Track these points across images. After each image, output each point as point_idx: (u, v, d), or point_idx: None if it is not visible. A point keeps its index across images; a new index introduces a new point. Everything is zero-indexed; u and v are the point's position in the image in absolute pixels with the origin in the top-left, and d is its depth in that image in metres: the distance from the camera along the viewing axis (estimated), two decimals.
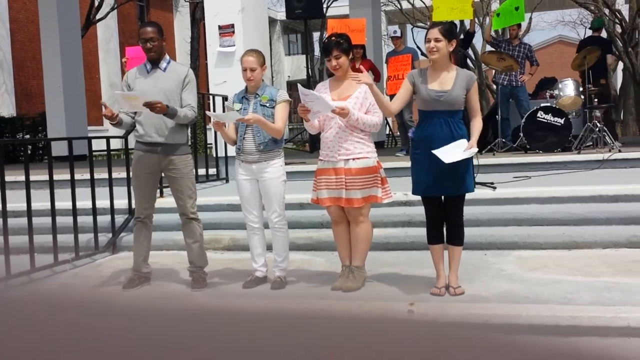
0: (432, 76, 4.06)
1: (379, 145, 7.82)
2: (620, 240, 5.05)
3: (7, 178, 5.10)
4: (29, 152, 13.89)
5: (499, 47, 9.38)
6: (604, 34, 13.45)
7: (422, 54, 12.34)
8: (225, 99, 7.40)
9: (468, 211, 4.54)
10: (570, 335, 3.41)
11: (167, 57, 4.65)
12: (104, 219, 6.04)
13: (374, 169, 4.22)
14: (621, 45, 19.44)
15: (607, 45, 10.30)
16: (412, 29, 26.04)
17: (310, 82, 10.73)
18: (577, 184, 6.03)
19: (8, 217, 4.90)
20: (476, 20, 14.41)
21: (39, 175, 6.56)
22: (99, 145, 7.52)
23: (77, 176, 5.73)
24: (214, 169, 8.07)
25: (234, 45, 7.98)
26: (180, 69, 4.68)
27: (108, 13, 19.90)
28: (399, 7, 26.44)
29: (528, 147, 8.39)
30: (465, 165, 4.02)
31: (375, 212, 5.13)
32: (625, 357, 2.80)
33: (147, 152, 4.56)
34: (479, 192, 5.64)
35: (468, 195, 4.19)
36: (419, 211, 5.02)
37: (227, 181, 7.93)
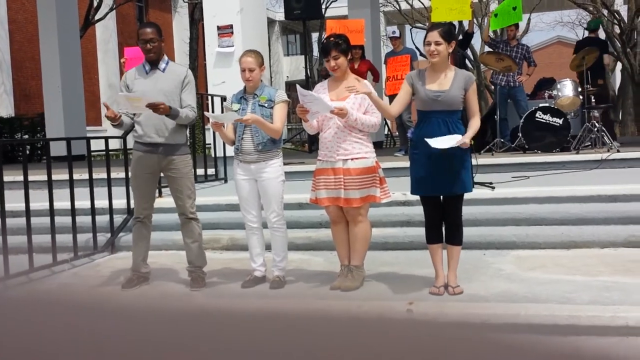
0: (431, 77, 4.07)
1: (377, 146, 7.82)
2: (619, 239, 5.06)
3: (6, 178, 5.10)
4: (28, 152, 13.87)
5: (496, 48, 9.39)
6: (601, 35, 13.47)
7: (421, 54, 12.36)
8: (224, 99, 7.40)
9: (467, 211, 4.54)
10: (568, 334, 3.41)
11: (165, 57, 4.65)
12: (102, 219, 6.04)
13: (373, 169, 4.23)
14: (620, 46, 19.46)
15: (604, 45, 10.32)
16: (410, 29, 26.07)
17: (309, 83, 10.72)
18: (576, 184, 6.03)
19: (7, 217, 4.90)
20: (475, 21, 14.42)
21: (37, 175, 6.55)
22: (97, 145, 7.52)
23: (75, 176, 5.73)
24: (213, 169, 8.07)
25: (233, 46, 7.97)
26: (179, 69, 4.68)
27: (107, 13, 19.90)
28: (398, 7, 26.45)
29: (526, 147, 8.39)
30: (463, 165, 4.02)
31: (374, 211, 5.14)
32: (624, 357, 2.80)
33: (147, 153, 4.56)
34: (478, 192, 5.64)
35: (467, 195, 4.19)
36: (418, 211, 5.02)
37: (226, 181, 7.93)
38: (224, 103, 6.80)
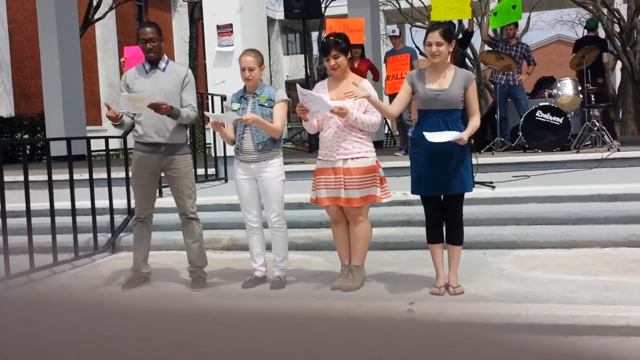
0: (431, 76, 4.07)
1: (377, 145, 7.82)
2: (619, 239, 5.06)
3: (6, 178, 5.10)
4: (28, 152, 13.88)
5: (496, 47, 9.39)
6: (601, 34, 13.46)
7: (421, 53, 12.34)
8: (223, 98, 7.40)
9: (467, 210, 4.54)
10: (569, 334, 3.41)
11: (165, 57, 4.65)
12: (103, 219, 6.04)
13: (373, 168, 4.22)
14: (619, 44, 19.46)
15: (604, 44, 10.32)
16: (410, 28, 26.06)
17: (308, 82, 10.72)
18: (576, 183, 6.03)
19: (7, 217, 4.90)
20: (475, 19, 14.42)
21: (37, 175, 6.56)
22: (97, 145, 7.52)
23: (76, 176, 5.73)
24: (213, 169, 8.06)
25: (233, 45, 7.97)
26: (179, 69, 4.68)
27: (106, 13, 19.89)
28: (398, 6, 26.44)
29: (527, 146, 8.39)
30: (463, 165, 4.02)
31: (375, 211, 5.13)
32: (624, 356, 2.80)
33: (147, 153, 4.56)
34: (478, 192, 5.64)
35: (467, 195, 4.19)
36: (418, 210, 5.02)
37: (226, 181, 7.93)
38: (224, 102, 6.79)
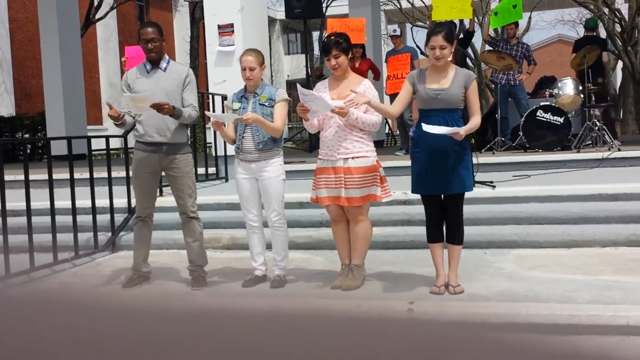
0: (431, 75, 4.07)
1: (378, 144, 7.81)
2: (620, 238, 5.05)
3: (7, 177, 5.10)
4: (29, 151, 13.88)
5: (497, 47, 9.38)
6: (601, 34, 13.45)
7: (422, 53, 12.34)
8: (224, 98, 7.40)
9: (467, 210, 4.54)
10: (569, 333, 3.41)
11: (166, 57, 4.65)
12: (103, 218, 6.04)
13: (373, 167, 4.22)
14: (620, 44, 19.45)
15: (604, 43, 10.32)
16: (411, 28, 26.03)
17: (309, 82, 10.72)
18: (577, 183, 6.03)
19: (7, 216, 4.90)
20: (476, 19, 14.40)
21: (38, 174, 6.56)
22: (98, 144, 7.51)
23: (76, 175, 5.73)
24: (214, 168, 8.06)
25: (234, 45, 7.97)
26: (180, 69, 4.68)
27: (107, 12, 19.89)
28: (399, 6, 26.43)
29: (527, 145, 8.39)
30: (464, 165, 4.02)
31: (375, 210, 5.14)
32: (624, 356, 2.80)
33: (148, 152, 4.56)
34: (479, 191, 5.64)
35: (467, 194, 4.19)
36: (419, 210, 5.02)
37: (227, 180, 7.93)
38: (225, 102, 6.79)
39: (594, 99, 8.73)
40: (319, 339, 0.74)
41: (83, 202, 5.83)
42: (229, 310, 0.83)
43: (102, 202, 6.04)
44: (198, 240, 4.67)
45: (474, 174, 4.74)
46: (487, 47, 9.96)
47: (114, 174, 6.25)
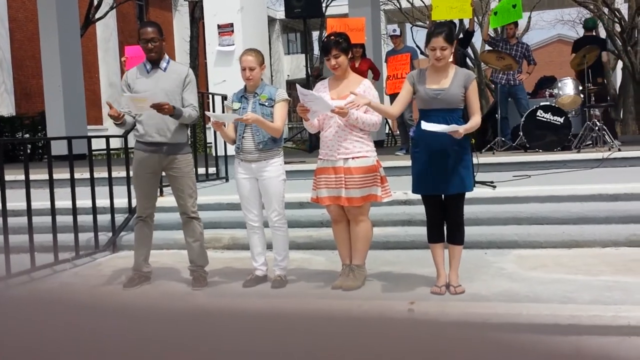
0: (431, 75, 4.07)
1: (378, 144, 7.82)
2: (620, 239, 5.05)
3: (7, 177, 5.10)
4: (29, 151, 13.88)
5: (496, 47, 9.38)
6: (601, 34, 13.45)
7: (422, 52, 12.34)
8: (224, 98, 7.40)
9: (468, 210, 4.54)
10: (570, 334, 3.41)
11: (166, 57, 4.65)
12: (104, 218, 6.04)
13: (374, 167, 4.22)
14: (620, 44, 19.45)
15: (604, 43, 10.33)
16: (411, 27, 26.04)
17: (309, 82, 10.72)
18: (577, 183, 6.03)
19: (8, 216, 4.90)
20: (475, 19, 14.40)
21: (38, 174, 6.56)
22: (98, 144, 7.51)
23: (76, 175, 5.73)
24: (214, 168, 8.07)
25: (233, 45, 7.97)
26: (180, 68, 4.68)
27: (107, 12, 19.90)
28: (399, 6, 26.44)
29: (527, 146, 8.39)
30: (464, 165, 4.02)
31: (375, 211, 5.13)
32: (625, 356, 2.80)
33: (149, 152, 4.56)
34: (479, 191, 5.64)
35: (468, 194, 4.19)
36: (419, 210, 5.02)
37: (227, 180, 7.93)
38: (225, 102, 6.79)
39: (593, 99, 8.73)
40: (319, 339, 0.74)
41: (83, 202, 5.83)
42: (230, 311, 0.82)
43: (102, 202, 6.04)
44: (199, 240, 4.67)
45: (475, 174, 4.73)
46: (487, 47, 9.96)
47: (114, 174, 6.25)
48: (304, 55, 13.79)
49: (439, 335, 0.75)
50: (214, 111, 7.51)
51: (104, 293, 4.55)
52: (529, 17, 26.11)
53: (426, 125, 3.89)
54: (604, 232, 5.12)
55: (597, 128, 8.24)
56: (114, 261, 5.64)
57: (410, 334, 0.76)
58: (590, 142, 8.33)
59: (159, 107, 4.28)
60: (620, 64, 22.12)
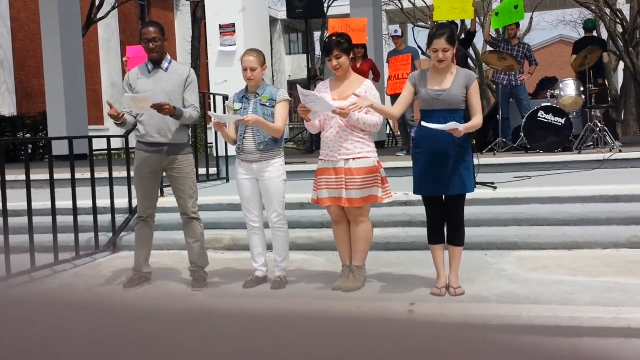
0: (433, 76, 4.07)
1: (379, 145, 7.82)
2: (621, 240, 5.05)
3: (8, 177, 5.10)
4: (30, 151, 13.89)
5: (498, 47, 9.38)
6: (603, 34, 13.44)
7: (423, 53, 12.34)
8: (225, 98, 7.40)
9: (468, 211, 4.54)
10: (570, 335, 3.40)
11: (168, 57, 4.65)
12: (104, 219, 6.04)
13: (374, 168, 4.22)
14: (622, 45, 19.44)
15: (604, 44, 10.34)
16: (413, 28, 26.04)
17: (310, 82, 10.72)
18: (578, 184, 6.03)
19: (8, 216, 4.90)
20: (477, 19, 14.41)
21: (39, 174, 6.56)
22: (99, 144, 7.52)
23: (77, 175, 5.73)
24: (215, 169, 8.07)
25: (235, 45, 7.98)
26: (182, 69, 4.68)
27: (109, 12, 19.90)
28: (400, 6, 26.44)
29: (529, 147, 8.38)
30: (465, 166, 4.02)
31: (376, 212, 5.13)
32: (625, 358, 2.80)
33: (149, 153, 4.56)
34: (480, 192, 5.64)
35: (468, 195, 4.18)
36: (420, 211, 5.02)
37: (228, 181, 7.93)
38: (226, 102, 6.80)
39: (594, 100, 8.73)
40: (319, 340, 0.74)
41: (84, 202, 5.83)
42: (230, 311, 0.82)
43: (103, 202, 6.04)
44: (199, 241, 4.67)
45: (475, 175, 4.74)
46: (489, 48, 9.96)
47: (115, 174, 6.26)
48: (305, 55, 13.79)
49: (439, 336, 0.75)
50: (215, 111, 7.51)
51: (104, 293, 4.55)
52: (531, 18, 26.10)
53: (426, 123, 3.90)
54: (605, 234, 5.12)
55: (598, 129, 8.23)
56: (114, 262, 5.64)
57: (410, 335, 0.76)
58: (592, 143, 8.33)
59: (159, 108, 4.28)
60: (621, 65, 22.11)
